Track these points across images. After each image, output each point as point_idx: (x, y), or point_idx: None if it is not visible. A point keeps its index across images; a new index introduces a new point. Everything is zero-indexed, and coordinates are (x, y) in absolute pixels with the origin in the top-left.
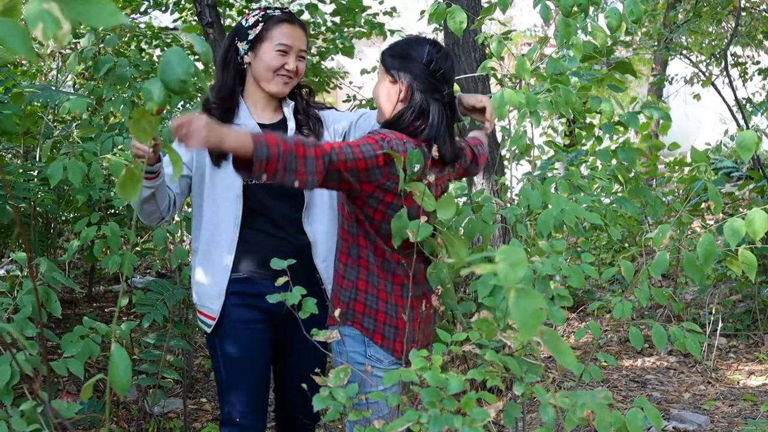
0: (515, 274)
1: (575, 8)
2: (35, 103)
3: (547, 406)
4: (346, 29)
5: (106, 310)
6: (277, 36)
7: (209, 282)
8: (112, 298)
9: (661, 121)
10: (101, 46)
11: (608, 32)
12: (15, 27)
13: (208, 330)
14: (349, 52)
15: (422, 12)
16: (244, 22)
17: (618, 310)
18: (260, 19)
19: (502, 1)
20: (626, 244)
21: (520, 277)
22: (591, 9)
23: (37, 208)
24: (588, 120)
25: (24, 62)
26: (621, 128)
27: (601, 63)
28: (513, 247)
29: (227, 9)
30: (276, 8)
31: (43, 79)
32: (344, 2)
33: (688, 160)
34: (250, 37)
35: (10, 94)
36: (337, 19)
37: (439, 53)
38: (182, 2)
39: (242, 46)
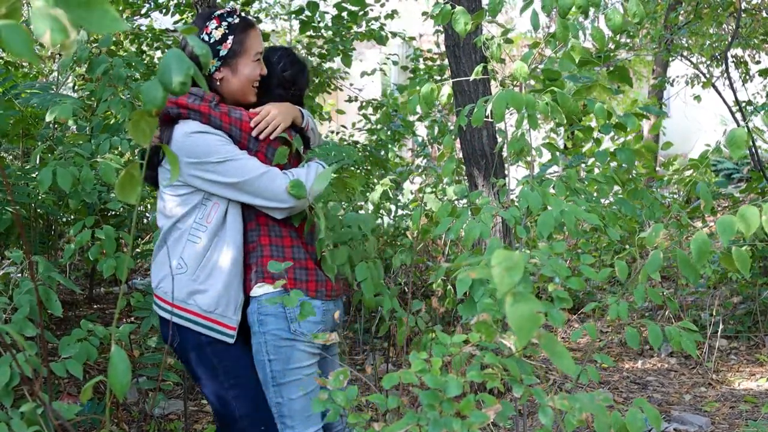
0: (511, 279)
1: (573, 9)
2: (35, 105)
3: (546, 408)
4: (346, 31)
5: (106, 311)
6: (252, 46)
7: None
8: (112, 299)
9: (653, 122)
10: (95, 46)
11: (609, 34)
12: (18, 29)
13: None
14: (347, 61)
15: (424, 13)
16: (206, 38)
17: (613, 310)
18: (227, 31)
19: (491, 7)
20: (627, 246)
21: (515, 281)
22: (591, 11)
23: (38, 210)
24: (586, 122)
25: (24, 64)
26: (620, 131)
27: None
28: (508, 250)
29: None
30: (230, 12)
31: (44, 80)
32: (347, 5)
33: (688, 162)
34: (223, 53)
35: (5, 99)
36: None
37: (288, 57)
38: (183, 4)
39: (212, 64)
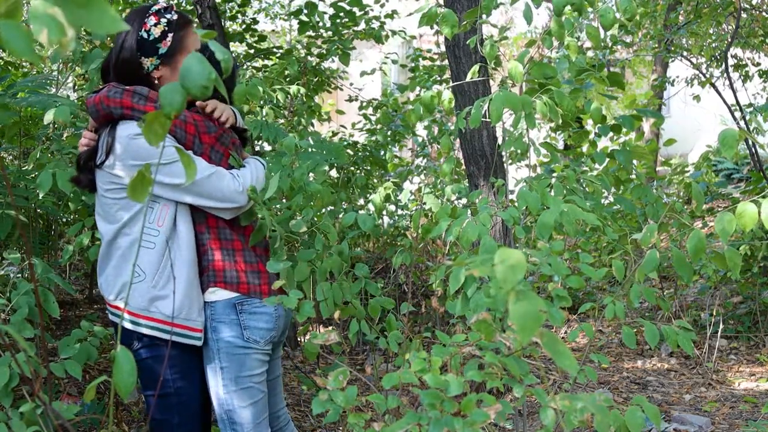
0: (514, 276)
1: (568, 8)
2: (35, 107)
3: (547, 409)
4: (345, 30)
5: (106, 311)
6: (191, 43)
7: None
8: None
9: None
10: (88, 39)
11: (603, 32)
12: (18, 29)
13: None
14: (344, 59)
15: (410, 14)
16: (145, 35)
17: (609, 310)
18: (166, 28)
19: (485, 4)
20: (626, 246)
21: (518, 279)
22: (588, 9)
23: (38, 210)
24: (585, 120)
25: (25, 63)
26: (617, 132)
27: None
28: (511, 249)
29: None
30: (168, 8)
31: (43, 79)
32: (345, 4)
33: (689, 162)
34: (162, 51)
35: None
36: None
37: (214, 61)
38: (183, 4)
39: (151, 62)
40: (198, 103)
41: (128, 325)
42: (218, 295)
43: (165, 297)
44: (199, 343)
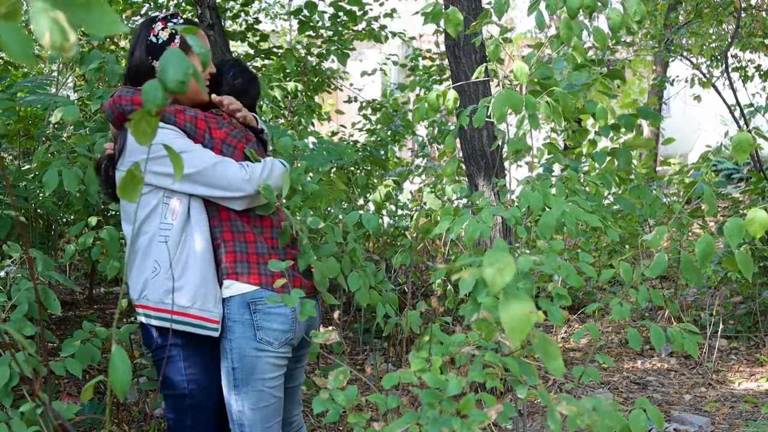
0: (502, 279)
1: (581, 10)
2: (36, 106)
3: (554, 412)
4: (345, 31)
5: (107, 311)
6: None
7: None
8: (113, 299)
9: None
10: (86, 40)
11: (610, 33)
12: (17, 32)
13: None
14: (342, 59)
15: (415, 14)
16: (154, 39)
17: (616, 311)
18: (173, 31)
19: (497, 7)
20: (627, 246)
21: (507, 281)
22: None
23: (38, 210)
24: (585, 120)
25: (24, 64)
26: (617, 131)
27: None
28: (500, 250)
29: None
30: (174, 14)
31: (42, 78)
32: (344, 4)
33: (689, 162)
34: None
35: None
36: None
37: (238, 68)
38: (182, 4)
39: None
40: (213, 96)
41: (143, 319)
42: (232, 289)
43: (179, 288)
44: (215, 335)
